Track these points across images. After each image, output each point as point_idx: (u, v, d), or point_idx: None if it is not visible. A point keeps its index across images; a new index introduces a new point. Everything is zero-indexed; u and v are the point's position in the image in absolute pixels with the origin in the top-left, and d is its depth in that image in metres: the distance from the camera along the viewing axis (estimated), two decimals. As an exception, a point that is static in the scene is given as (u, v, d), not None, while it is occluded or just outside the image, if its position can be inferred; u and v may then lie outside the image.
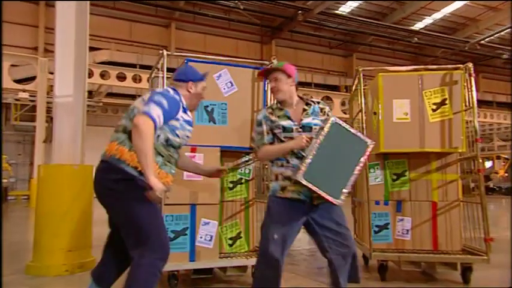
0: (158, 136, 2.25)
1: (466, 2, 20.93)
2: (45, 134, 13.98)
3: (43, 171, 4.19)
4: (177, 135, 2.33)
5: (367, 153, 2.45)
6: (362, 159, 2.42)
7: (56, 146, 4.24)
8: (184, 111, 2.38)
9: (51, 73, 4.40)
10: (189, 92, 2.44)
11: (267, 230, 2.47)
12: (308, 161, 2.38)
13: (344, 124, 2.49)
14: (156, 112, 2.14)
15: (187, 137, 2.43)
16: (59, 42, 4.33)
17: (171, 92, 2.35)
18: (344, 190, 2.39)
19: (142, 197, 2.06)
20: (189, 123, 2.40)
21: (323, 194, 2.36)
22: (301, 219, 2.50)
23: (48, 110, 13.59)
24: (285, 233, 2.44)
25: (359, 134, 2.53)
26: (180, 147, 2.43)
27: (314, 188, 2.35)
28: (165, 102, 2.21)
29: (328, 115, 2.59)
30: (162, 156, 2.28)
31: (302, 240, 6.35)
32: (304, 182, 2.37)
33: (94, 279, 2.37)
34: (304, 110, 2.57)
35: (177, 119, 2.31)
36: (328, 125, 2.44)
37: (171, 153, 2.35)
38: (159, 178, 2.12)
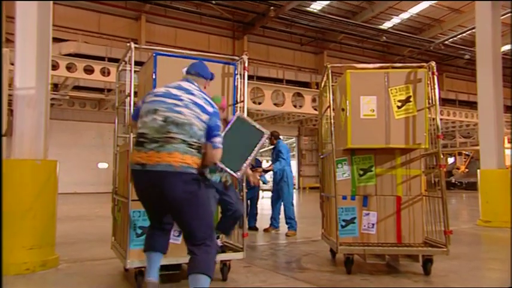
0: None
1: (431, 2, 21.60)
2: (6, 127, 13.38)
3: (3, 167, 4.01)
4: None
5: (262, 140, 3.06)
6: (258, 145, 3.03)
7: (16, 140, 4.07)
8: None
9: (13, 64, 4.19)
10: (205, 88, 2.89)
11: None
12: None
13: (246, 118, 3.21)
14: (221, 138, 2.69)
15: None
16: (19, 32, 4.13)
17: (204, 95, 2.74)
18: (242, 167, 2.94)
19: (202, 196, 2.61)
20: None
21: (226, 168, 2.90)
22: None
23: (11, 103, 12.99)
24: None
25: (258, 125, 3.13)
26: None
27: (220, 164, 2.85)
28: (218, 120, 2.69)
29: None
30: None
31: (271, 236, 6.40)
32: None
33: (152, 249, 2.85)
34: None
35: None
36: (234, 118, 3.15)
37: None
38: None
